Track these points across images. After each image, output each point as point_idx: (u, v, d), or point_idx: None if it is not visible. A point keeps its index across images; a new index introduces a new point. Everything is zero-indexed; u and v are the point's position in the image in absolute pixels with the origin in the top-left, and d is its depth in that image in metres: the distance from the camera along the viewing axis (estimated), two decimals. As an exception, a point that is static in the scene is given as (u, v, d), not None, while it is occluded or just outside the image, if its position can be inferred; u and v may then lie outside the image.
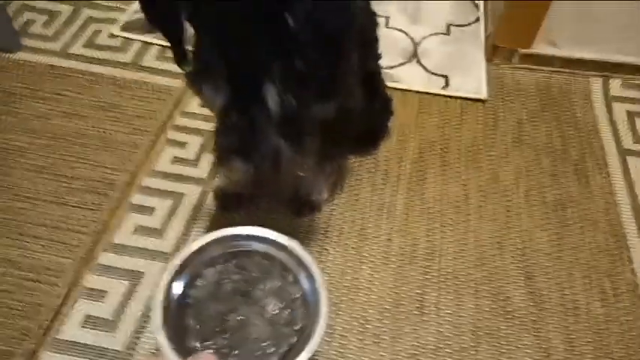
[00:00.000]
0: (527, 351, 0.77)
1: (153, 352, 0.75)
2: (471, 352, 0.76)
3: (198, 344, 0.48)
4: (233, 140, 0.59)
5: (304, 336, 0.48)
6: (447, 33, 1.26)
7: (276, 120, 0.58)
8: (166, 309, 0.48)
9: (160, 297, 0.49)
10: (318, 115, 0.71)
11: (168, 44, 0.60)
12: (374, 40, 0.85)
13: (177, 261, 0.52)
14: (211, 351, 0.46)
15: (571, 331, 0.79)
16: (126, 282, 0.82)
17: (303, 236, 0.88)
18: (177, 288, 0.51)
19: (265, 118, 0.58)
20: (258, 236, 0.55)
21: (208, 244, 0.54)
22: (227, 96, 0.57)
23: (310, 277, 0.53)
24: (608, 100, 1.13)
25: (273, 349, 0.48)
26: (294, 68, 0.55)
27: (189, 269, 0.53)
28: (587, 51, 1.15)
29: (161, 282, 0.50)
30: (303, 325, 0.50)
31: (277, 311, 0.51)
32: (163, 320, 0.47)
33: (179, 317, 0.49)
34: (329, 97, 0.68)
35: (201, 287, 0.52)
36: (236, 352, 0.48)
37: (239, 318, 0.51)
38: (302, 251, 0.54)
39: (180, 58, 0.60)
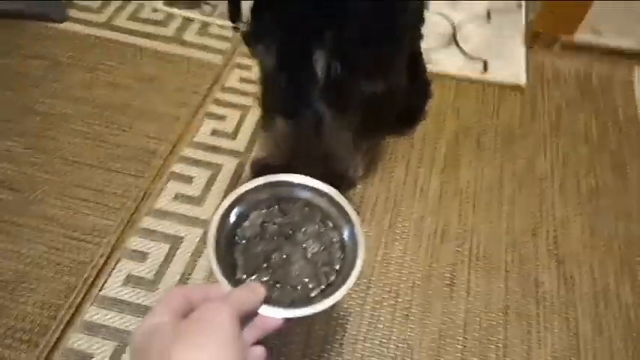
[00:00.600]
0: (556, 331, 0.78)
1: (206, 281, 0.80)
2: (499, 330, 0.78)
3: (244, 277, 0.52)
4: (279, 101, 0.61)
5: (342, 275, 0.53)
6: (488, 18, 1.25)
7: (321, 86, 0.60)
8: (217, 244, 0.53)
9: (212, 232, 0.53)
10: (367, 92, 0.72)
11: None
12: (421, 20, 0.85)
13: (226, 202, 0.56)
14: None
15: (601, 316, 0.80)
16: (166, 245, 0.85)
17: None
18: (227, 227, 0.55)
19: (311, 83, 0.59)
20: (301, 184, 0.59)
21: (255, 189, 0.58)
22: (277, 58, 0.58)
23: (349, 222, 0.57)
24: (650, 91, 1.11)
25: (312, 285, 0.53)
26: (348, 37, 0.56)
27: (237, 211, 0.57)
28: (631, 41, 1.13)
29: (213, 220, 0.55)
30: (341, 265, 0.55)
31: (317, 252, 0.56)
32: (215, 254, 0.51)
33: (228, 252, 0.54)
34: (381, 75, 0.69)
35: (248, 227, 0.57)
36: (279, 285, 0.52)
37: (282, 256, 0.55)
38: (342, 199, 0.58)
39: (234, 16, 0.61)
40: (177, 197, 0.91)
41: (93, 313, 0.77)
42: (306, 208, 0.59)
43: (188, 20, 1.22)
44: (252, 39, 0.61)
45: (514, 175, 0.97)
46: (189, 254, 0.84)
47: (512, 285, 0.82)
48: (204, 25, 1.21)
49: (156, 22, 1.21)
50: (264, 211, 0.58)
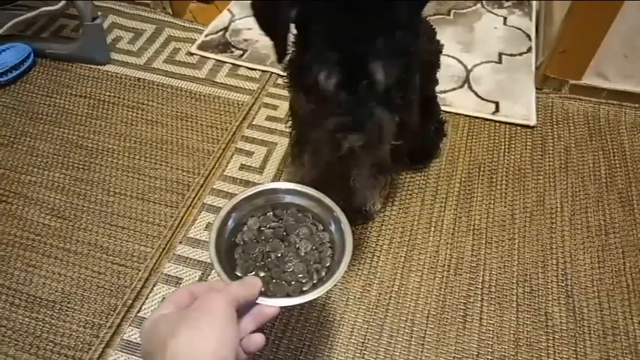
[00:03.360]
0: (566, 364, 0.81)
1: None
2: (511, 360, 0.82)
3: (244, 274, 0.60)
4: (345, 117, 0.64)
5: (331, 271, 0.60)
6: (499, 61, 1.32)
7: (381, 93, 0.64)
8: (218, 247, 0.60)
9: (213, 236, 0.61)
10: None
11: (273, 42, 0.67)
12: (436, 67, 0.93)
13: (226, 209, 0.64)
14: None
15: (609, 348, 0.83)
16: (198, 271, 0.92)
17: (356, 242, 0.95)
18: (227, 231, 0.63)
19: (372, 92, 0.63)
20: (293, 189, 0.67)
21: (251, 196, 0.66)
22: (339, 77, 0.62)
23: (338, 225, 0.64)
24: (657, 132, 1.16)
25: (305, 280, 0.60)
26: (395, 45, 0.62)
27: (236, 217, 0.64)
28: (637, 85, 1.19)
29: (213, 225, 0.62)
30: (331, 263, 0.62)
31: (309, 252, 0.63)
32: (216, 254, 0.59)
33: (229, 255, 0.61)
34: (398, 110, 0.75)
35: (246, 232, 0.64)
36: (275, 281, 0.60)
37: (278, 255, 0.63)
38: (331, 203, 0.65)
39: (282, 53, 0.67)
40: (209, 227, 0.98)
41: (131, 333, 0.84)
42: (298, 213, 0.66)
43: (219, 63, 1.32)
44: (309, 68, 0.63)
45: (524, 209, 1.02)
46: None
47: (523, 317, 0.87)
48: (234, 67, 1.31)
49: (190, 65, 1.31)
50: (261, 217, 0.66)
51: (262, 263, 0.61)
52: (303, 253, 0.63)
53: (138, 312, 0.87)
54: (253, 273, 0.60)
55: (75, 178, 1.06)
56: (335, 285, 0.58)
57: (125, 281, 0.90)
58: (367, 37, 0.61)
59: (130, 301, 0.88)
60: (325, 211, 0.65)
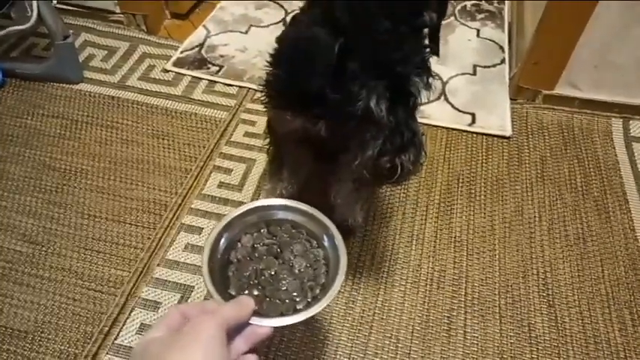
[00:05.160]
0: (550, 375, 0.82)
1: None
2: (496, 374, 0.81)
3: (237, 293, 0.59)
4: (394, 139, 0.64)
5: (325, 289, 0.59)
6: (474, 73, 1.34)
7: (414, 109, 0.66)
8: (211, 265, 0.59)
9: (206, 253, 0.60)
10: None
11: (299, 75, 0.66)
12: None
13: (219, 227, 0.63)
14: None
15: (591, 357, 0.84)
16: (177, 294, 0.89)
17: (339, 259, 0.95)
18: (220, 249, 0.62)
19: (409, 109, 0.65)
20: (286, 206, 0.66)
21: (244, 213, 0.65)
22: (388, 101, 0.63)
23: (333, 242, 0.63)
24: (629, 140, 1.19)
25: (299, 298, 0.59)
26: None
27: (229, 235, 0.64)
28: (607, 94, 1.22)
29: (206, 243, 0.61)
30: (325, 280, 0.61)
31: (303, 269, 0.63)
32: (209, 273, 0.58)
33: (222, 273, 0.61)
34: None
35: (240, 250, 0.64)
36: (269, 299, 0.59)
37: (272, 273, 0.62)
38: (326, 219, 0.65)
39: (316, 86, 0.64)
40: (188, 248, 0.96)
41: (108, 362, 0.81)
42: (292, 229, 0.66)
43: (196, 79, 1.31)
44: (353, 100, 0.63)
45: (504, 220, 1.03)
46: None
47: (506, 328, 0.87)
48: (211, 84, 1.30)
49: (165, 82, 1.29)
50: (254, 234, 0.65)
51: (256, 281, 0.61)
52: (297, 271, 0.62)
53: (115, 339, 0.84)
54: (247, 291, 0.59)
55: (47, 202, 1.03)
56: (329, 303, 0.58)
57: (101, 307, 0.87)
58: (406, 59, 0.62)
59: (107, 328, 0.85)
60: (319, 226, 0.65)
